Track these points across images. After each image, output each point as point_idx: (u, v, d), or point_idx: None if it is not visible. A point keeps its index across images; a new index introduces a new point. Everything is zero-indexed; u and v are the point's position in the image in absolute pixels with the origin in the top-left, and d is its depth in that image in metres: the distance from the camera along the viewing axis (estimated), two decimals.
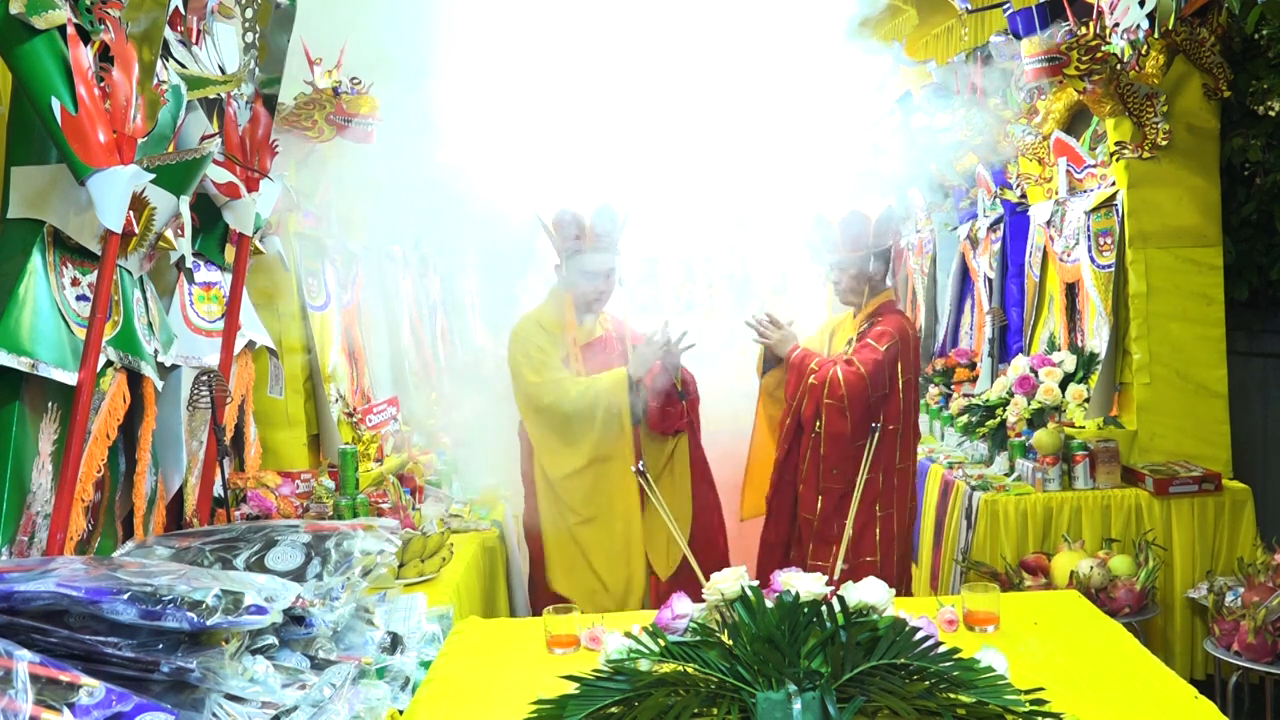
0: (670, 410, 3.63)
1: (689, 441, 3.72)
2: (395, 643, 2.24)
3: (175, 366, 2.77)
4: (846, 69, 6.22)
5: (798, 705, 1.46)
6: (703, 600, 1.97)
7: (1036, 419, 4.38)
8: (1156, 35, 3.84)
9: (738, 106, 6.66)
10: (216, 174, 2.65)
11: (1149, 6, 3.81)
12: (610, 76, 5.80)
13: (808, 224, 3.66)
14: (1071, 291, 4.80)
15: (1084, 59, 3.84)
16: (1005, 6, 4.63)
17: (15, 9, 1.83)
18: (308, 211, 4.27)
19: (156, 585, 1.59)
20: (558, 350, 3.67)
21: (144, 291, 2.57)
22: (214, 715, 1.63)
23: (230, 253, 2.89)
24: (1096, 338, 4.47)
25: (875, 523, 3.50)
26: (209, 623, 1.57)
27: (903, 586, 3.56)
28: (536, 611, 3.48)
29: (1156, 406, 4.09)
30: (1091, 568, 3.55)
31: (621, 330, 3.78)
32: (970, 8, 5.14)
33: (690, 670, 1.62)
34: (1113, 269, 4.25)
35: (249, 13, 2.75)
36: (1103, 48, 3.86)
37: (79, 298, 2.21)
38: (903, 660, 1.55)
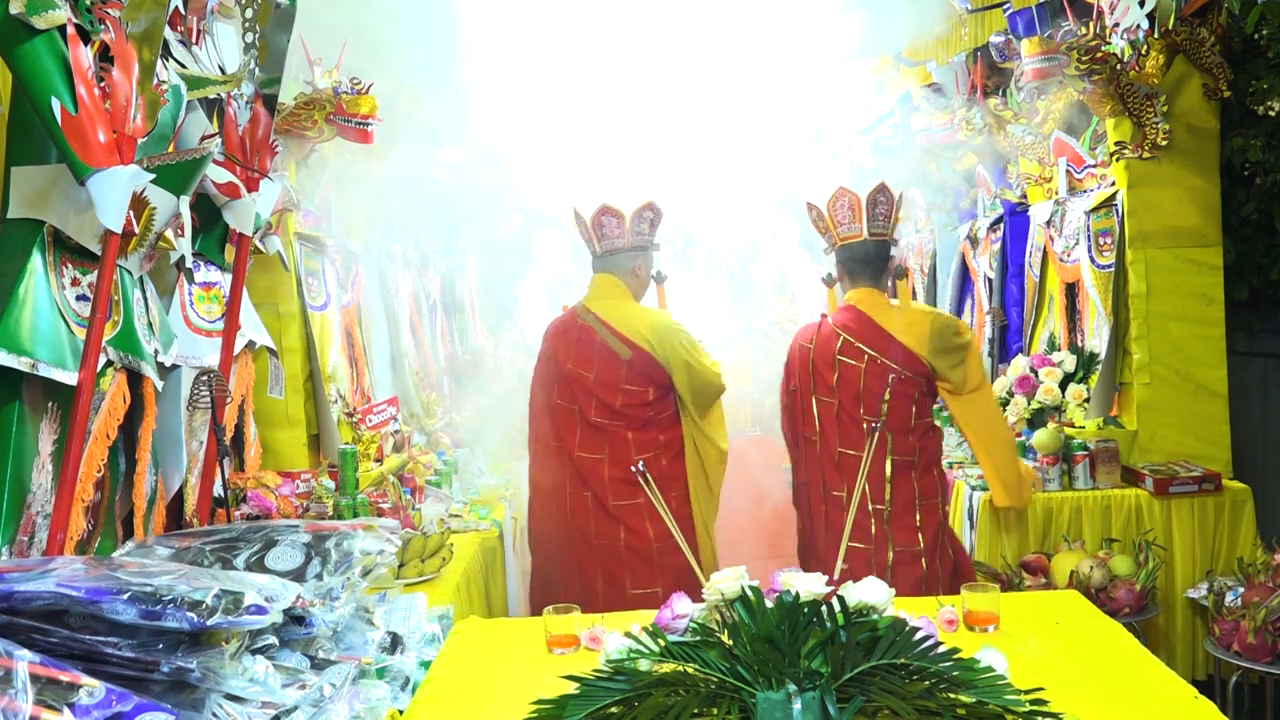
0: None
1: None
2: (395, 643, 2.24)
3: (175, 366, 2.77)
4: (846, 74, 6.23)
5: (798, 705, 1.47)
6: (703, 600, 1.97)
7: (1036, 419, 4.38)
8: (1156, 35, 3.84)
9: (738, 107, 6.66)
10: (216, 174, 2.65)
11: (1149, 6, 3.81)
12: (614, 78, 5.81)
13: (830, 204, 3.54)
14: (1071, 291, 4.80)
15: (1084, 59, 3.84)
16: (1005, 6, 4.63)
17: (15, 9, 1.83)
18: (308, 211, 4.27)
19: (156, 585, 1.59)
20: None
21: (144, 291, 2.57)
22: (214, 715, 1.63)
23: (230, 253, 2.89)
24: (1096, 338, 4.48)
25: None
26: (209, 623, 1.57)
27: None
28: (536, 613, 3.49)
29: (1156, 406, 4.09)
30: (1091, 568, 3.55)
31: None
32: (970, 8, 5.14)
33: (690, 670, 1.62)
34: (1113, 269, 4.25)
35: (249, 13, 2.75)
36: (1103, 48, 3.86)
37: (79, 298, 2.21)
38: (903, 660, 1.55)
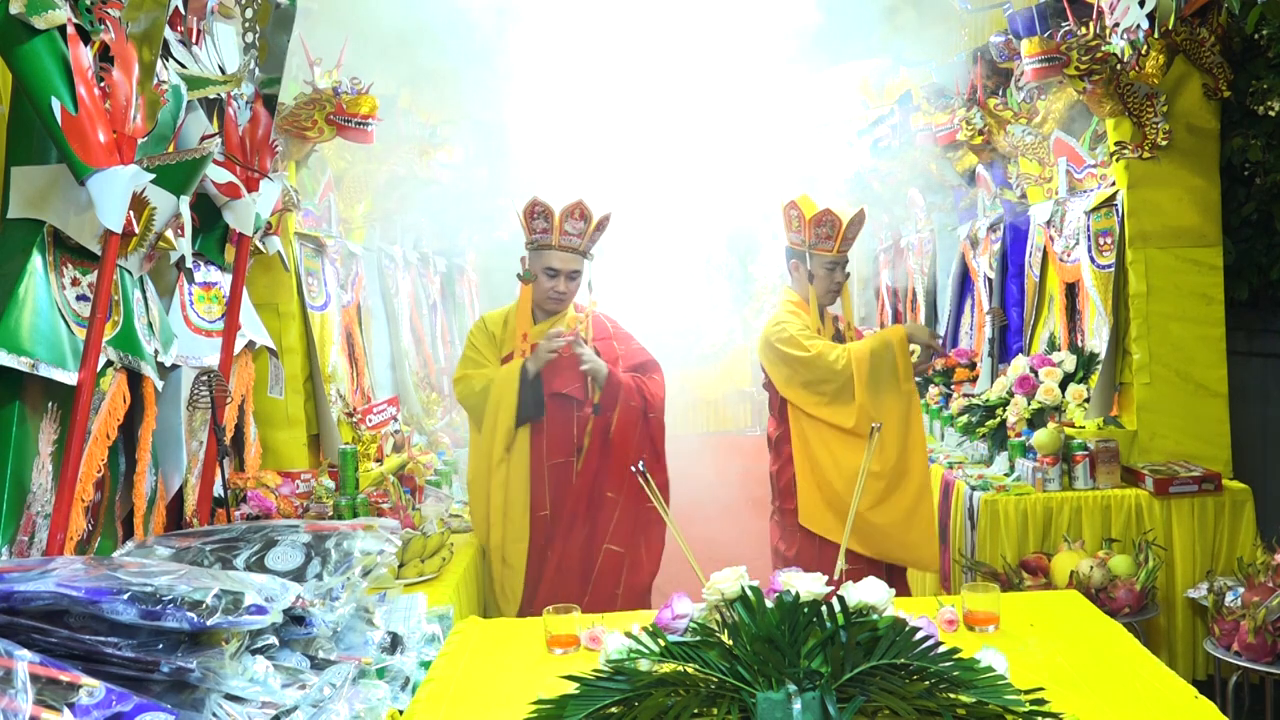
0: (579, 415, 3.58)
1: (588, 458, 3.60)
2: (395, 643, 2.24)
3: (175, 366, 2.77)
4: (847, 75, 6.23)
5: (798, 705, 1.46)
6: (702, 600, 1.97)
7: (1036, 419, 4.38)
8: (1156, 35, 3.84)
9: (738, 107, 6.66)
10: (216, 174, 2.66)
11: (1149, 6, 3.81)
12: (616, 78, 5.80)
13: (809, 222, 3.62)
14: (1071, 291, 4.80)
15: (1084, 59, 3.84)
16: (1005, 6, 4.63)
17: (15, 9, 1.83)
18: (308, 211, 4.28)
19: (156, 585, 1.59)
20: (496, 349, 3.66)
21: (144, 291, 2.57)
22: (214, 715, 1.63)
23: (230, 253, 2.89)
24: (1096, 338, 4.48)
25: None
26: (209, 623, 1.57)
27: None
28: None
29: (1156, 406, 4.09)
30: (1091, 568, 3.55)
31: (608, 331, 3.76)
32: (970, 8, 5.14)
33: (690, 670, 1.62)
34: (1113, 269, 4.25)
35: (249, 13, 2.76)
36: (1103, 48, 3.86)
37: (79, 298, 2.21)
38: (903, 660, 1.55)
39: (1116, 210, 4.21)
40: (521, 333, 3.60)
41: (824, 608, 1.63)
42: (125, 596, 1.55)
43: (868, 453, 2.79)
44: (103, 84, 1.97)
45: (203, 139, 2.58)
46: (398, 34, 4.18)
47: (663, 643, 1.69)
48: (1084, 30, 3.92)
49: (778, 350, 3.60)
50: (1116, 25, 3.94)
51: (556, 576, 3.51)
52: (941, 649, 1.58)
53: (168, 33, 2.35)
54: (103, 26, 2.00)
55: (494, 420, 3.54)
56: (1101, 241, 4.38)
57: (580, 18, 5.36)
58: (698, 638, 1.72)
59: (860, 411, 3.51)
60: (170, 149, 2.38)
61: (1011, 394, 4.52)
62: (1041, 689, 1.52)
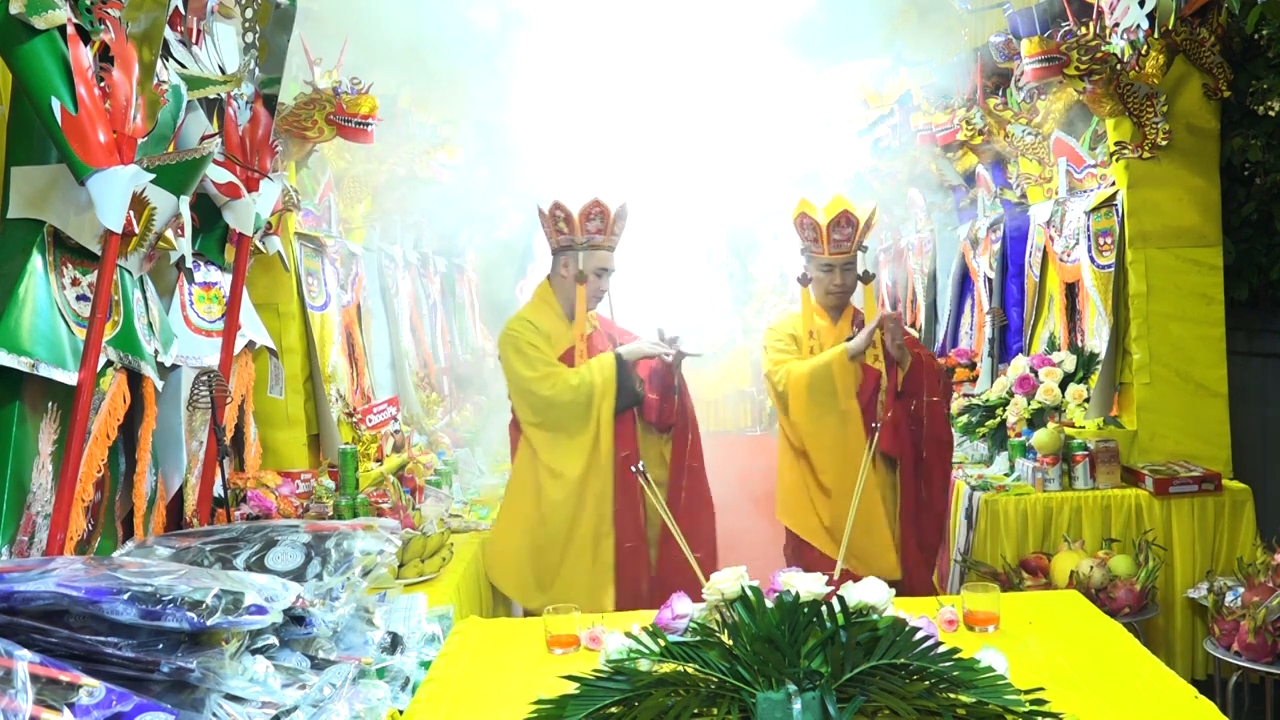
0: (666, 404, 3.63)
1: (677, 442, 3.70)
2: (395, 643, 2.24)
3: (175, 366, 2.77)
4: (847, 75, 6.23)
5: (798, 705, 1.46)
6: (702, 600, 1.97)
7: (1036, 419, 4.38)
8: (1156, 35, 3.84)
9: (738, 107, 6.66)
10: (216, 174, 2.65)
11: (1149, 6, 3.81)
12: (616, 78, 5.80)
13: (794, 223, 3.63)
14: (1071, 291, 4.80)
15: (1084, 59, 3.84)
16: (1005, 6, 4.63)
17: (15, 9, 1.83)
18: (308, 211, 4.28)
19: (156, 585, 1.59)
20: (552, 348, 3.66)
21: (144, 291, 2.57)
22: (214, 715, 1.63)
23: (230, 253, 2.89)
24: (1096, 338, 4.47)
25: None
26: (209, 623, 1.57)
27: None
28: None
29: (1156, 406, 4.09)
30: (1091, 568, 3.55)
31: (610, 330, 3.79)
32: (970, 8, 5.14)
33: (690, 670, 1.62)
34: (1113, 269, 4.25)
35: (249, 13, 2.76)
36: (1103, 48, 3.86)
37: (79, 298, 2.21)
38: (903, 660, 1.55)
39: (1116, 210, 4.21)
40: (580, 332, 3.65)
41: (824, 608, 1.63)
42: (125, 596, 1.55)
43: (867, 454, 2.79)
44: (103, 84, 1.97)
45: (203, 139, 2.58)
46: (399, 35, 4.18)
47: (663, 643, 1.69)
48: (1084, 30, 3.92)
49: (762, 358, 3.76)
50: (1116, 25, 3.94)
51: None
52: (941, 649, 1.58)
53: (168, 33, 2.34)
54: (103, 26, 2.00)
55: (596, 411, 3.57)
56: (1101, 241, 4.38)
57: (582, 19, 5.36)
58: (698, 638, 1.72)
59: (794, 428, 3.58)
60: (170, 149, 2.38)
61: (1011, 394, 4.52)
62: (1041, 689, 1.52)
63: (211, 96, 2.62)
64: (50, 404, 2.16)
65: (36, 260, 2.10)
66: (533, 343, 3.62)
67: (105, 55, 2.01)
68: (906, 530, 3.52)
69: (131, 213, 2.06)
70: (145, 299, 2.56)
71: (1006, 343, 5.49)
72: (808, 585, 1.81)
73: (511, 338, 3.63)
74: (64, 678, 1.43)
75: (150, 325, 2.57)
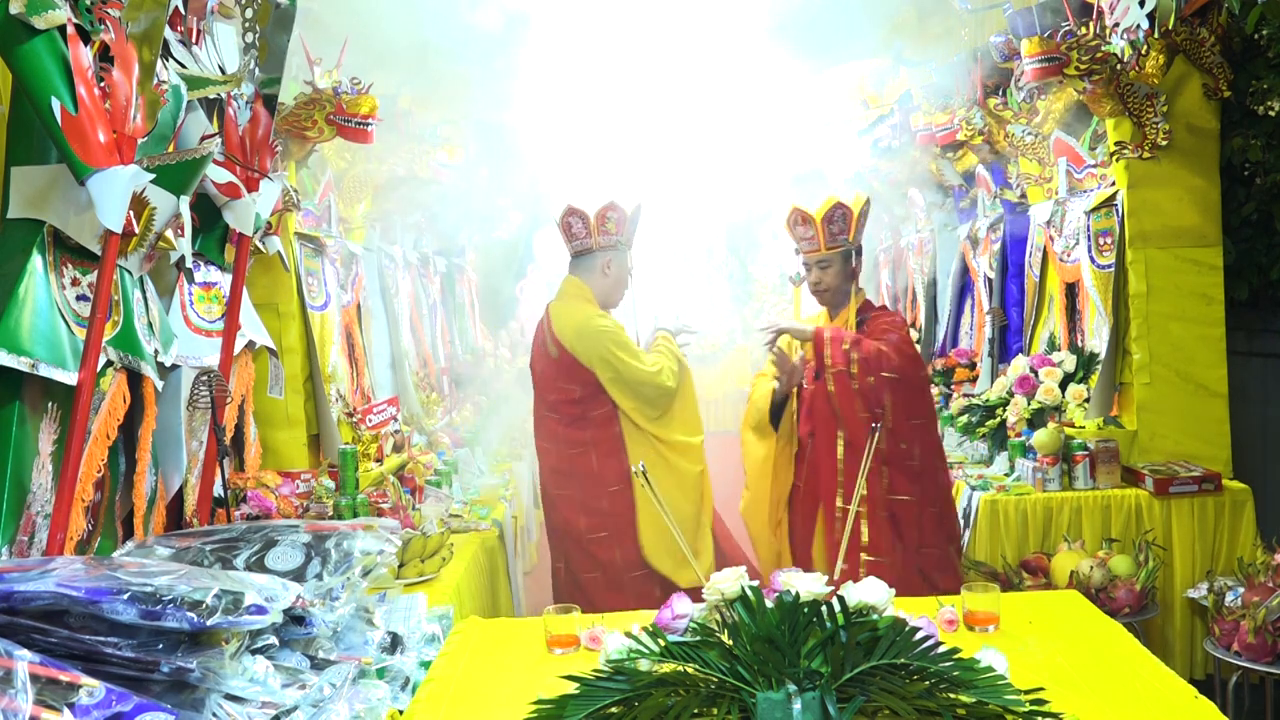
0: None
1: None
2: (395, 643, 2.24)
3: (175, 366, 2.77)
4: (848, 75, 6.23)
5: (798, 705, 1.46)
6: (703, 600, 1.97)
7: (1036, 419, 4.38)
8: (1156, 35, 3.84)
9: (738, 107, 6.66)
10: (216, 174, 2.65)
11: (1149, 6, 3.81)
12: (616, 78, 5.80)
13: (786, 220, 3.61)
14: (1071, 291, 4.80)
15: (1084, 59, 3.83)
16: (1005, 6, 4.63)
17: (15, 9, 1.83)
18: (308, 211, 4.28)
19: (156, 585, 1.59)
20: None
21: (144, 291, 2.57)
22: (214, 715, 1.63)
23: (230, 253, 2.89)
24: (1096, 338, 4.47)
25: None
26: (209, 623, 1.57)
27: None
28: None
29: (1156, 406, 4.09)
30: (1091, 568, 3.55)
31: None
32: (970, 8, 5.14)
33: (690, 670, 1.62)
34: (1113, 269, 4.25)
35: (249, 13, 2.76)
36: (1103, 48, 3.86)
37: (79, 298, 2.21)
38: (903, 660, 1.55)
39: (1116, 210, 4.21)
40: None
41: (824, 608, 1.63)
42: (125, 596, 1.55)
43: (867, 454, 2.78)
44: (103, 84, 1.97)
45: (203, 139, 2.58)
46: (399, 35, 4.18)
47: (663, 643, 1.69)
48: (1084, 30, 3.92)
49: None
50: (1116, 25, 3.94)
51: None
52: (941, 649, 1.58)
53: (168, 33, 2.34)
54: (103, 26, 2.00)
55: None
56: (1101, 241, 4.38)
57: (583, 19, 5.36)
58: (698, 638, 1.72)
59: (741, 446, 3.78)
60: (170, 149, 2.38)
61: (1011, 394, 4.52)
62: (1041, 689, 1.52)
63: (211, 96, 2.62)
64: (50, 404, 2.16)
65: (36, 260, 2.10)
66: (626, 342, 3.74)
67: (105, 55, 2.01)
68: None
69: (131, 213, 2.06)
70: (145, 299, 2.56)
71: (1006, 343, 5.49)
72: (808, 585, 1.81)
73: (610, 335, 3.71)
74: (64, 678, 1.43)
75: (150, 325, 2.57)
